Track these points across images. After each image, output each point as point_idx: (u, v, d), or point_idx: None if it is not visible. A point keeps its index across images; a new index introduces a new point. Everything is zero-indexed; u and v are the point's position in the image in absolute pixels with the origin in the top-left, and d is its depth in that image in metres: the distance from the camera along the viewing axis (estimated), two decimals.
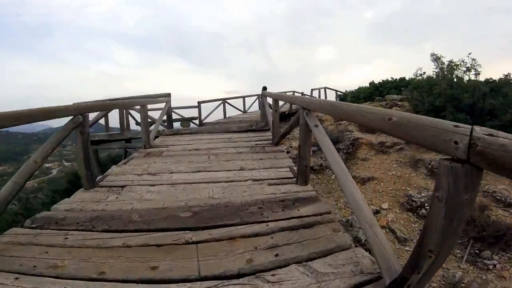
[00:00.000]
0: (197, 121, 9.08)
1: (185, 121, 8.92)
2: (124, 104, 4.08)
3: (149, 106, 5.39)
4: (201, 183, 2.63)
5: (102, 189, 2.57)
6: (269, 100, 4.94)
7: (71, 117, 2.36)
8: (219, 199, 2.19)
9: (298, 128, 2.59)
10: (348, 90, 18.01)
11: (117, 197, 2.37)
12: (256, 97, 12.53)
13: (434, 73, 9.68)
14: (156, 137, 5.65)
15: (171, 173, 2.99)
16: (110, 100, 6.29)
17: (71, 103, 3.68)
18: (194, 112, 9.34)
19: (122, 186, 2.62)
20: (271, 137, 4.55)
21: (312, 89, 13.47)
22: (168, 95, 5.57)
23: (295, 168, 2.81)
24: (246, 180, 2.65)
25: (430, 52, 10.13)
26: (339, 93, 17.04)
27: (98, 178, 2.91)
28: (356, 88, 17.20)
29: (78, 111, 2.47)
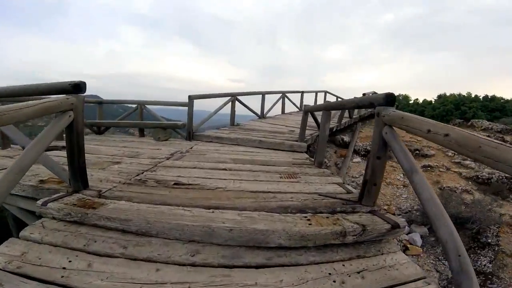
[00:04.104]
0: (184, 131, 5.06)
1: (163, 129, 4.88)
2: None
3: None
4: None
5: None
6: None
7: None
8: None
9: None
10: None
11: None
12: (280, 95, 8.51)
13: None
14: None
15: None
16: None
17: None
18: (182, 113, 5.35)
19: None
20: None
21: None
22: (76, 87, 1.54)
23: None
24: None
25: None
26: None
27: None
28: (397, 93, 13.22)
29: None
